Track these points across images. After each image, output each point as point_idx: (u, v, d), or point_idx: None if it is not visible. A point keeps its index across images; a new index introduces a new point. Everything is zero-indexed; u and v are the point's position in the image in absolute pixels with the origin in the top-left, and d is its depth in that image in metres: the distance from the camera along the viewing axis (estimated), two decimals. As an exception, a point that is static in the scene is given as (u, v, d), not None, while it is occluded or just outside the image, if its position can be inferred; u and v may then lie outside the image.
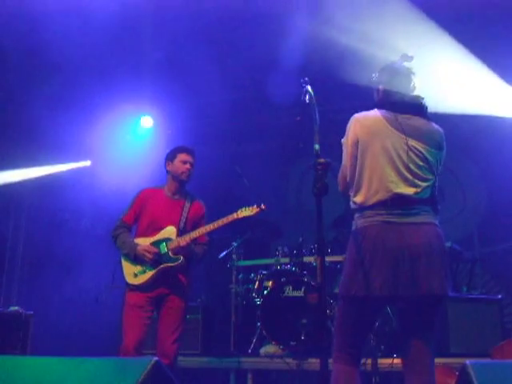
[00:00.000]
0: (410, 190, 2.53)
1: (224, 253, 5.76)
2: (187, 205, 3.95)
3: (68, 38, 5.19)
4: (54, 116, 6.14)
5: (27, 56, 5.47)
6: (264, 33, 5.19)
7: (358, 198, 2.61)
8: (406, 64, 2.76)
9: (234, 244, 5.67)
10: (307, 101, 2.57)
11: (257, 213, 3.82)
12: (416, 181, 2.55)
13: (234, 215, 3.82)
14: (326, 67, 5.33)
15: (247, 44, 5.34)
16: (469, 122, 6.34)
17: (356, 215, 2.64)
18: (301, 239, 5.55)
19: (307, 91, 2.57)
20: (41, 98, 6.08)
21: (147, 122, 6.98)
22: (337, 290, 5.04)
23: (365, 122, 2.66)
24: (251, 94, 6.24)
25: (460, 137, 6.10)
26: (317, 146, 2.44)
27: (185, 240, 3.75)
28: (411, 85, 2.71)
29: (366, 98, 2.96)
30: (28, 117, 6.32)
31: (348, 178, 2.69)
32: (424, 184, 2.56)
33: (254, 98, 6.33)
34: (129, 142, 7.04)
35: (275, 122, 6.84)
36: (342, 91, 5.92)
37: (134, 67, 5.76)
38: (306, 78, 2.62)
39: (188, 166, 3.94)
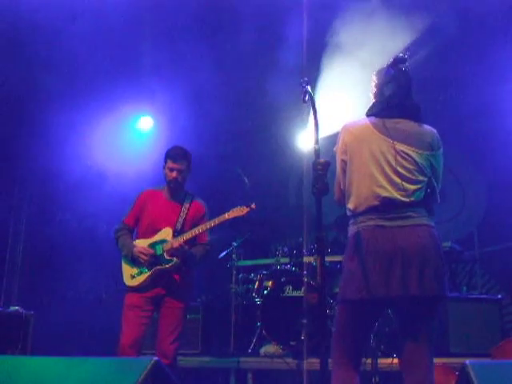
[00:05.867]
0: (399, 194, 2.54)
1: (224, 253, 5.76)
2: (186, 205, 3.94)
3: (68, 38, 5.20)
4: (54, 116, 6.15)
5: (27, 56, 5.46)
6: (264, 32, 5.20)
7: (351, 205, 2.63)
8: (398, 66, 2.75)
9: (234, 244, 5.66)
10: (307, 101, 2.57)
11: (247, 213, 3.81)
12: (405, 184, 2.55)
13: (225, 215, 3.81)
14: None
15: (247, 44, 5.35)
16: (469, 123, 6.36)
17: (350, 221, 2.67)
18: (301, 239, 5.55)
19: (307, 91, 2.58)
20: (40, 98, 6.08)
21: (147, 122, 6.97)
22: (337, 290, 5.06)
23: (353, 129, 2.69)
24: (251, 94, 6.23)
25: (460, 137, 6.11)
26: (317, 146, 2.45)
27: (178, 241, 3.74)
28: (402, 88, 2.70)
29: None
30: (27, 116, 6.33)
31: (341, 185, 2.72)
32: (414, 187, 2.57)
33: (254, 97, 6.33)
34: (129, 142, 7.03)
35: (275, 122, 6.84)
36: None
37: (133, 67, 5.76)
38: (306, 78, 2.62)
39: (174, 174, 3.88)
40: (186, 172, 3.95)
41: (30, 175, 6.94)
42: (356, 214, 2.60)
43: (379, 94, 2.75)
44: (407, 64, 2.75)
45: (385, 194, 2.54)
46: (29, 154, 6.81)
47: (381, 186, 2.55)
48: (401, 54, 2.77)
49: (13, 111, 6.23)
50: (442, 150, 2.70)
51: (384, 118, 2.65)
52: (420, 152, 2.60)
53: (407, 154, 2.58)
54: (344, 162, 2.68)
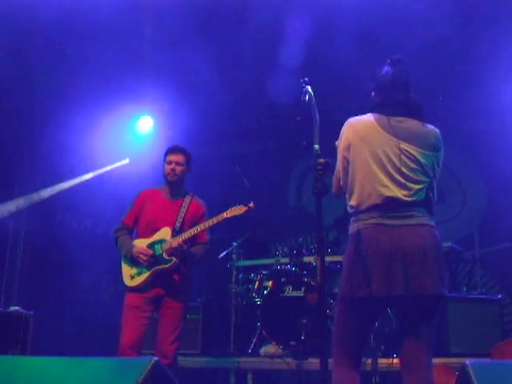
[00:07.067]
0: (402, 193, 2.54)
1: (224, 253, 5.76)
2: (185, 205, 3.93)
3: (67, 38, 5.20)
4: (54, 116, 6.15)
5: (25, 56, 5.47)
6: (264, 32, 5.19)
7: (353, 202, 2.63)
8: (396, 66, 2.74)
9: (234, 244, 5.67)
10: (307, 101, 2.57)
11: (245, 211, 3.80)
12: (408, 184, 2.55)
13: (224, 214, 3.81)
14: (327, 67, 5.34)
15: (247, 44, 5.35)
16: (469, 123, 6.36)
17: (352, 219, 2.66)
18: (301, 239, 5.56)
19: (307, 91, 2.57)
20: (41, 98, 6.08)
21: (147, 122, 6.96)
22: (337, 290, 5.06)
23: (357, 126, 2.67)
24: (251, 94, 6.24)
25: (460, 137, 6.12)
26: (317, 146, 2.45)
27: (176, 241, 3.74)
28: (401, 87, 2.69)
29: (366, 98, 2.96)
30: (27, 117, 6.32)
31: (341, 182, 2.71)
32: (417, 186, 2.56)
33: (253, 97, 6.33)
34: (129, 142, 7.02)
35: (275, 122, 6.84)
36: (342, 91, 5.93)
37: (134, 67, 5.76)
38: (306, 78, 2.62)
39: (172, 166, 3.89)
40: (183, 166, 3.95)
41: (29, 175, 6.94)
42: (358, 212, 2.60)
43: (379, 93, 2.75)
44: (403, 64, 2.75)
45: (388, 193, 2.53)
46: (28, 154, 6.81)
47: (384, 186, 2.54)
48: (396, 56, 2.76)
49: (13, 112, 6.24)
50: (442, 150, 2.70)
51: (389, 116, 2.64)
52: (424, 152, 2.59)
53: (411, 154, 2.57)
54: (345, 159, 2.66)
